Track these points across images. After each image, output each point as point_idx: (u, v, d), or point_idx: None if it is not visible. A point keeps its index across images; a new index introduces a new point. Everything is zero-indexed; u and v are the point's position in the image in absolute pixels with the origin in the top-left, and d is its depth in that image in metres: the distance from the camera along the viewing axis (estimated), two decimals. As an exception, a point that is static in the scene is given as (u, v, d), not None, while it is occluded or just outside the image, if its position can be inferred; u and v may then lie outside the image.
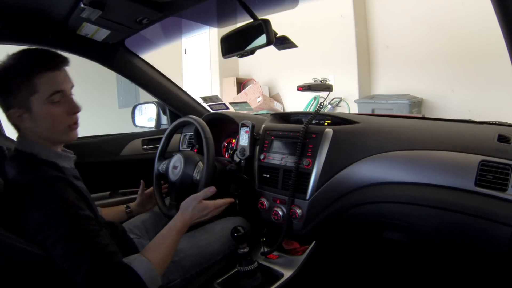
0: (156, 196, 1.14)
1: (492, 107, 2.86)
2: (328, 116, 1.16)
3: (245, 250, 0.94)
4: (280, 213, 1.06)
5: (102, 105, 3.94)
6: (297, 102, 4.25)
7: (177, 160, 1.12)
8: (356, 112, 3.36)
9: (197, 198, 0.93)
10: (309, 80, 1.16)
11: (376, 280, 1.18)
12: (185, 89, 1.66)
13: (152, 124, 1.70)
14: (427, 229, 0.89)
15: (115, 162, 1.46)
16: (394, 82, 3.54)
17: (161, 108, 1.69)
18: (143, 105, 1.75)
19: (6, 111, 0.76)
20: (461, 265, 0.99)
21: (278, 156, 1.11)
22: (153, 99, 1.62)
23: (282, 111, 4.28)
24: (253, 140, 1.18)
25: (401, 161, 0.92)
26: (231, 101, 2.95)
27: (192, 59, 5.22)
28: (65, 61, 0.79)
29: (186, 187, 1.07)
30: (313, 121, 1.10)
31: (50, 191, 0.69)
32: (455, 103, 3.13)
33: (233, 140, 1.45)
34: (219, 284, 0.98)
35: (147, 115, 1.73)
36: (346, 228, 1.06)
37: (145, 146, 1.55)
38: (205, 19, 1.40)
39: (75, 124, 0.81)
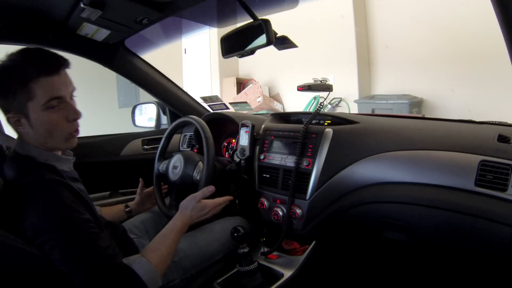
0: (156, 196, 1.14)
1: (492, 107, 2.86)
2: (328, 116, 1.16)
3: (245, 250, 0.94)
4: (280, 213, 1.06)
5: (102, 105, 3.95)
6: (297, 102, 4.25)
7: (177, 160, 1.12)
8: (356, 112, 3.36)
9: (196, 198, 0.93)
10: (309, 80, 1.16)
11: (376, 280, 1.18)
12: (185, 89, 1.66)
13: (152, 124, 1.70)
14: (427, 229, 0.89)
15: (115, 162, 1.46)
16: (394, 82, 3.54)
17: (161, 108, 1.69)
18: (143, 105, 1.75)
19: (4, 113, 0.74)
20: (461, 265, 0.99)
21: (278, 156, 1.11)
22: (153, 99, 1.62)
23: (282, 111, 4.28)
24: (253, 140, 1.18)
25: (401, 161, 0.92)
26: (231, 101, 2.95)
27: (192, 59, 5.22)
28: (64, 64, 0.74)
29: (186, 187, 1.07)
30: (313, 121, 1.10)
31: (48, 194, 0.68)
32: (455, 103, 3.13)
33: (233, 140, 1.45)
34: (219, 284, 0.98)
35: (147, 115, 1.73)
36: (346, 228, 1.05)
37: (145, 146, 1.55)
38: (205, 19, 1.40)
39: (75, 131, 0.77)
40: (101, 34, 1.19)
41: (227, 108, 1.71)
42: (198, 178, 1.07)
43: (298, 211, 1.02)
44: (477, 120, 1.04)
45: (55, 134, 0.75)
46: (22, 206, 0.68)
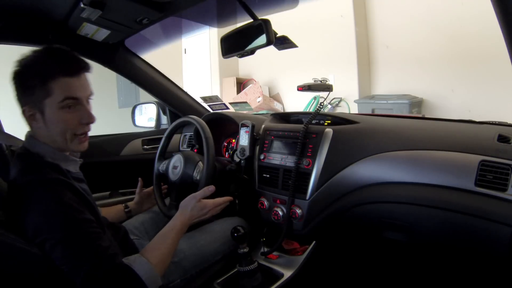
0: (156, 196, 1.14)
1: (492, 107, 2.86)
2: (328, 116, 1.16)
3: (245, 250, 0.94)
4: (280, 213, 1.06)
5: (102, 105, 3.94)
6: (297, 102, 4.25)
7: (177, 160, 1.12)
8: (356, 112, 3.36)
9: (196, 197, 0.93)
10: (309, 80, 1.16)
11: (376, 280, 1.18)
12: (185, 89, 1.66)
13: (152, 124, 1.70)
14: (427, 229, 0.89)
15: (115, 162, 1.46)
16: (394, 82, 3.54)
17: (161, 108, 1.69)
18: (143, 105, 1.75)
19: (21, 106, 0.75)
20: (461, 265, 0.99)
21: (278, 156, 1.11)
22: (153, 99, 1.62)
23: (282, 111, 4.28)
24: (253, 140, 1.18)
25: (401, 161, 0.92)
26: (231, 101, 2.95)
27: (192, 59, 5.22)
28: (85, 68, 0.77)
29: (186, 187, 1.07)
30: (313, 121, 1.10)
31: (49, 193, 0.68)
32: (455, 103, 3.14)
33: (233, 140, 1.45)
34: (219, 284, 0.98)
35: (147, 115, 1.73)
36: (346, 228, 1.06)
37: (145, 146, 1.55)
38: (205, 19, 1.40)
39: (83, 135, 0.79)
40: (101, 34, 1.19)
41: (227, 108, 1.71)
42: (198, 178, 1.07)
43: (298, 211, 1.02)
44: (477, 120, 1.04)
45: (66, 134, 0.76)
46: (24, 204, 0.68)
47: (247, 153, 1.18)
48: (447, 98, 3.19)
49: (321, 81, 1.14)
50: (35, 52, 0.74)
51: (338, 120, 1.12)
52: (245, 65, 4.99)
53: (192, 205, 0.92)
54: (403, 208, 0.89)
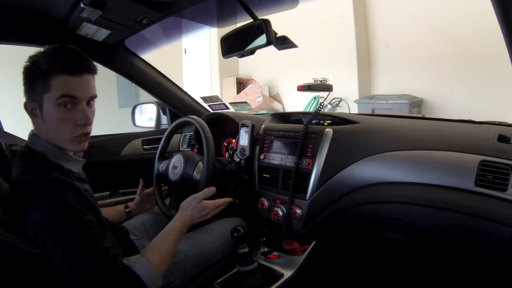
0: (156, 196, 1.14)
1: (492, 107, 2.86)
2: (328, 116, 1.16)
3: (245, 250, 0.94)
4: (280, 213, 1.06)
5: (102, 105, 3.92)
6: (297, 102, 4.25)
7: (177, 160, 1.12)
8: (356, 112, 3.36)
9: (197, 198, 0.93)
10: (309, 80, 1.16)
11: (376, 280, 1.18)
12: (185, 89, 1.66)
13: (152, 124, 1.70)
14: (427, 229, 0.89)
15: (115, 162, 1.46)
16: (394, 82, 3.54)
17: (161, 108, 1.69)
18: (143, 105, 1.75)
19: (25, 100, 0.77)
20: (461, 265, 0.99)
21: (278, 156, 1.11)
22: (153, 99, 1.62)
23: (282, 111, 4.28)
24: (253, 140, 1.18)
25: (401, 161, 0.92)
26: (231, 101, 2.95)
27: (192, 59, 5.22)
28: (88, 69, 0.76)
29: (186, 187, 1.07)
30: (313, 121, 1.10)
31: (50, 193, 0.68)
32: (455, 103, 3.14)
33: (233, 140, 1.45)
34: (219, 284, 0.98)
35: (147, 115, 1.73)
36: (346, 228, 1.05)
37: (145, 146, 1.55)
38: (205, 19, 1.40)
39: (83, 136, 0.78)
40: (101, 34, 1.19)
41: (227, 108, 1.71)
42: (198, 178, 1.07)
43: (298, 211, 1.02)
44: (477, 120, 1.04)
45: (61, 133, 0.75)
46: (25, 203, 0.68)
47: (247, 153, 1.18)
48: (447, 98, 3.19)
49: (321, 81, 1.14)
50: (46, 49, 0.75)
51: (338, 120, 1.12)
52: (245, 65, 4.99)
53: (193, 206, 0.92)
54: (403, 208, 0.89)
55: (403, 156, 0.92)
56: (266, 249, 1.09)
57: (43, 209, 0.67)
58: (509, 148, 0.82)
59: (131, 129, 1.71)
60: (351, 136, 1.02)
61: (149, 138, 1.57)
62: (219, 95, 2.21)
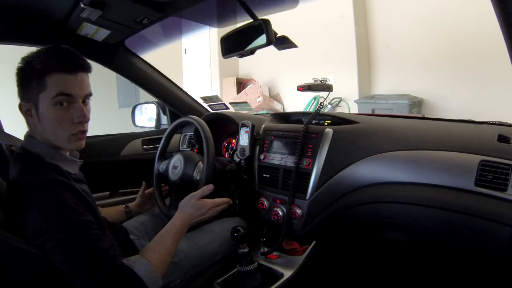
0: (156, 196, 1.14)
1: (492, 107, 2.86)
2: (328, 116, 1.16)
3: (245, 250, 0.94)
4: (280, 213, 1.06)
5: (102, 105, 3.94)
6: (297, 102, 4.25)
7: (177, 160, 1.12)
8: (356, 112, 3.36)
9: (196, 196, 0.93)
10: (309, 80, 1.16)
11: (376, 280, 1.18)
12: (185, 89, 1.66)
13: (152, 124, 1.70)
14: (427, 229, 0.89)
15: (115, 162, 1.46)
16: (394, 82, 3.54)
17: (161, 108, 1.69)
18: (143, 105, 1.75)
19: (20, 101, 0.76)
20: (461, 265, 0.99)
21: (278, 156, 1.11)
22: (153, 99, 1.62)
23: (282, 111, 4.28)
24: (253, 140, 1.18)
25: (401, 161, 0.92)
26: (231, 101, 2.95)
27: (192, 59, 5.22)
28: (83, 67, 0.76)
29: (186, 187, 1.07)
30: (313, 121, 1.10)
31: (48, 194, 0.68)
32: (455, 103, 3.14)
33: (233, 140, 1.45)
34: (219, 284, 0.98)
35: (147, 115, 1.73)
36: (346, 228, 1.06)
37: (145, 146, 1.55)
38: (205, 19, 1.40)
39: (80, 133, 0.77)
40: (101, 34, 1.19)
41: (227, 108, 1.71)
42: (198, 178, 1.07)
43: (298, 211, 1.02)
44: (477, 120, 1.04)
45: (59, 132, 0.75)
46: (23, 205, 0.68)
47: (247, 153, 1.18)
48: (447, 98, 3.20)
49: (321, 81, 1.14)
50: (40, 49, 0.75)
51: (338, 120, 1.12)
52: (245, 65, 4.99)
53: (192, 203, 0.92)
54: (403, 208, 0.89)
55: (403, 156, 0.92)
56: (266, 249, 1.09)
57: (42, 210, 0.67)
58: (509, 148, 0.82)
59: (131, 129, 1.71)
60: (351, 136, 1.02)
61: (149, 138, 1.57)
62: (219, 95, 2.21)
